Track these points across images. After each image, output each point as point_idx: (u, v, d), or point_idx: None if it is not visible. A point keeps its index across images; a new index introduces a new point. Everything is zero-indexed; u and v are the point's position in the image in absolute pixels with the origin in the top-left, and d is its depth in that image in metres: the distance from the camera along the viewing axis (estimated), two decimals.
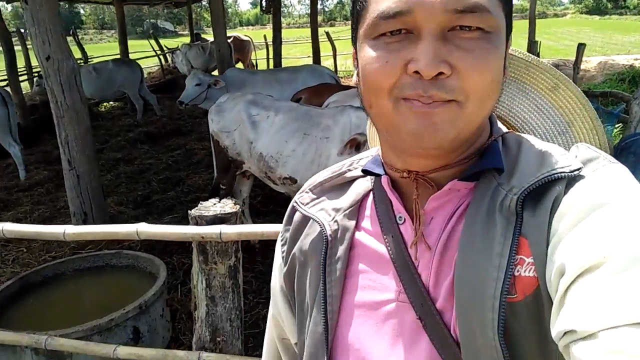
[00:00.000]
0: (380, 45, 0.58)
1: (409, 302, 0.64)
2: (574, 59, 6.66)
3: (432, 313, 0.62)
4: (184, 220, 4.78)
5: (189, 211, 2.07)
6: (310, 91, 4.83)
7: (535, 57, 0.83)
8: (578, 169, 0.57)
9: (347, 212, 0.72)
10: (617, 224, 0.50)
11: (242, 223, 2.14)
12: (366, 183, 0.75)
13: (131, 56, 12.56)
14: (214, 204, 2.11)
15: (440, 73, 0.54)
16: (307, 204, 0.77)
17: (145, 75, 10.74)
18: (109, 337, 2.66)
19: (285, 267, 0.78)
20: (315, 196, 0.77)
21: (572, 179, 0.57)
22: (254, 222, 4.45)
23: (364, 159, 0.78)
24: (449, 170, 0.64)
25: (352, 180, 0.76)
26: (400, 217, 0.68)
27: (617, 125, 5.58)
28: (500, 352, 0.55)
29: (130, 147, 7.61)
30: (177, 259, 3.97)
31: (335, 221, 0.71)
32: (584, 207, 0.53)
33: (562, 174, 0.57)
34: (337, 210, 0.73)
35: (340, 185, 0.77)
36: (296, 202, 0.78)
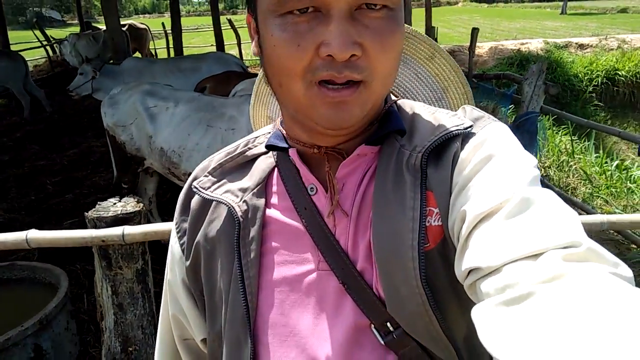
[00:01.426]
0: (288, 25, 0.56)
1: (329, 270, 0.64)
2: (468, 44, 7.05)
3: (353, 275, 0.63)
4: (85, 224, 4.48)
5: (86, 213, 1.90)
6: (216, 79, 4.66)
7: (414, 29, 0.87)
8: (470, 126, 0.63)
9: (254, 190, 0.70)
10: (506, 172, 0.56)
11: (149, 222, 1.99)
12: (269, 160, 0.73)
13: (13, 48, 11.44)
14: (114, 204, 1.95)
15: (353, 55, 0.55)
16: (209, 187, 0.72)
17: (31, 69, 9.83)
18: (6, 358, 2.40)
19: (188, 260, 0.74)
20: (215, 179, 0.73)
21: (465, 135, 0.63)
22: (164, 220, 4.24)
23: (261, 136, 0.77)
24: (355, 140, 0.67)
25: (254, 158, 0.74)
26: (312, 187, 0.68)
27: (510, 107, 6.00)
28: (425, 296, 0.58)
29: (18, 147, 6.92)
30: (80, 266, 3.68)
31: (244, 201, 0.69)
32: (478, 159, 0.59)
33: (458, 131, 0.63)
34: (244, 190, 0.71)
35: (242, 164, 0.75)
36: (196, 187, 0.73)
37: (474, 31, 6.16)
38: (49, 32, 14.20)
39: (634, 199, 4.91)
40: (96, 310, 3.17)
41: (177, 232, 0.76)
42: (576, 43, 12.85)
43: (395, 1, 0.57)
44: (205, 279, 0.72)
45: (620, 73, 10.91)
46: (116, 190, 3.99)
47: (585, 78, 10.96)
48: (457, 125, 0.63)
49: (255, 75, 5.04)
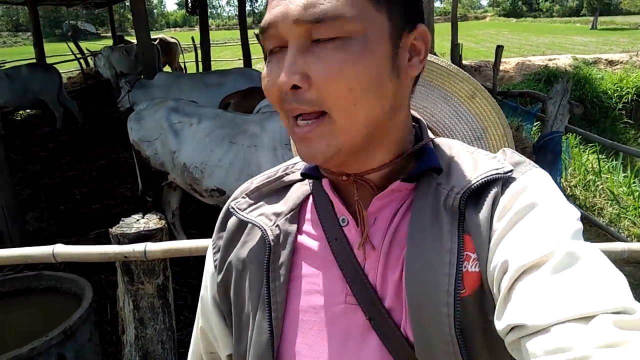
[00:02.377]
0: (269, 63, 0.60)
1: (357, 304, 0.63)
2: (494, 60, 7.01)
3: (381, 312, 0.62)
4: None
5: (110, 229, 1.96)
6: (240, 95, 4.74)
7: (456, 67, 0.87)
8: (510, 171, 0.62)
9: (288, 216, 0.71)
10: (550, 223, 0.55)
11: (170, 238, 2.05)
12: (304, 187, 0.74)
13: (48, 60, 11.84)
14: (137, 220, 2.01)
15: (295, 86, 0.56)
16: (245, 209, 0.73)
17: (64, 81, 10.15)
18: None
19: (219, 276, 0.75)
20: (253, 201, 0.74)
21: (506, 180, 0.61)
22: (187, 234, 4.31)
23: (299, 162, 0.78)
24: (383, 171, 0.66)
25: (290, 184, 0.76)
26: (343, 219, 0.68)
27: (535, 124, 5.93)
28: (457, 346, 0.56)
29: (51, 158, 7.14)
30: (105, 276, 3.77)
31: (277, 226, 0.70)
32: (520, 207, 0.57)
33: (498, 175, 0.61)
34: (277, 214, 0.71)
35: (279, 189, 0.76)
36: (233, 208, 0.75)
37: (499, 49, 6.13)
38: (83, 44, 14.68)
39: None
40: (118, 322, 3.25)
41: (213, 249, 0.78)
42: (605, 59, 12.64)
43: (350, 29, 0.55)
44: (234, 298, 0.72)
45: None
46: (141, 202, 4.09)
47: (615, 95, 10.74)
48: (497, 169, 0.62)
49: None
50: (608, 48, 16.08)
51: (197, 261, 3.99)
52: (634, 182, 5.67)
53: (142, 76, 6.49)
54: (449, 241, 0.59)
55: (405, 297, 0.60)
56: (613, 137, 8.99)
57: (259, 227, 0.70)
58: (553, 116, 3.98)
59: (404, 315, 0.61)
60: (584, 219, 4.64)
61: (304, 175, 0.73)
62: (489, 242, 0.58)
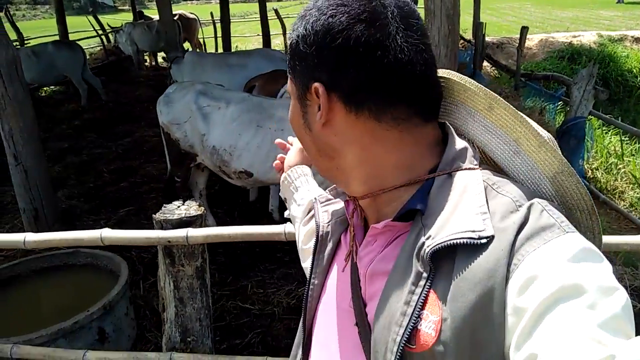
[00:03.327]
0: None
1: (353, 309, 0.71)
2: (517, 36, 6.85)
3: (364, 324, 0.67)
4: (140, 213, 4.73)
5: (153, 215, 2.08)
6: (265, 78, 4.80)
7: (469, 79, 0.78)
8: (488, 237, 0.55)
9: (340, 217, 0.82)
10: (591, 320, 0.46)
11: (206, 224, 2.16)
12: None
13: (70, 36, 11.95)
14: (178, 207, 2.12)
15: None
16: (322, 202, 0.86)
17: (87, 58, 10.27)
18: (74, 340, 2.64)
19: (300, 245, 0.99)
20: (331, 197, 0.86)
21: (520, 246, 0.54)
22: (213, 213, 4.44)
23: None
24: (384, 195, 0.69)
25: None
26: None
27: (559, 106, 5.87)
28: None
29: (77, 135, 7.32)
30: (136, 253, 3.92)
31: (329, 224, 0.81)
32: (547, 294, 0.49)
33: (469, 241, 0.55)
34: (335, 214, 0.82)
35: None
36: (316, 199, 0.87)
37: (523, 31, 6.04)
38: (103, 19, 14.69)
39: None
40: (152, 296, 3.40)
41: (321, 203, 0.88)
42: (632, 36, 12.30)
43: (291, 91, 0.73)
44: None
45: None
46: (170, 183, 4.22)
47: None
48: (473, 231, 0.56)
49: None
50: (635, 23, 15.64)
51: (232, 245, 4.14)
52: None
53: (182, 55, 6.65)
54: (411, 293, 0.58)
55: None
56: (637, 117, 8.85)
57: (316, 221, 0.83)
58: (578, 101, 3.97)
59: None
60: (604, 203, 4.66)
61: None
62: (464, 312, 0.54)
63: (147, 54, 12.97)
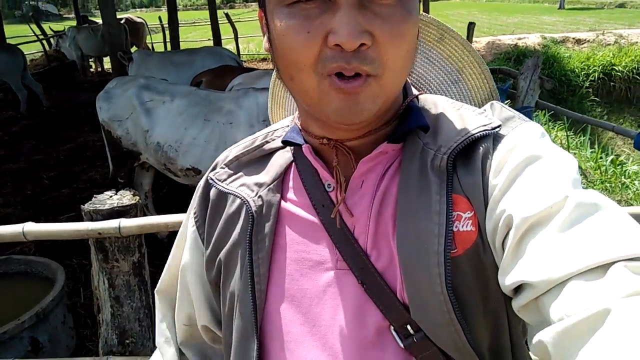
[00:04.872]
0: (296, 14, 0.54)
1: (348, 269, 0.62)
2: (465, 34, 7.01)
3: (374, 276, 0.61)
4: (82, 219, 4.47)
5: (82, 206, 1.91)
6: (212, 73, 4.65)
7: (423, 12, 0.82)
8: (498, 126, 0.61)
9: (271, 186, 0.69)
10: (550, 174, 0.54)
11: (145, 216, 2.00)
12: (287, 154, 0.72)
13: (9, 42, 11.37)
14: (110, 197, 1.96)
15: (362, 44, 0.53)
16: (225, 180, 0.73)
17: (27, 63, 9.77)
18: (3, 351, 2.42)
19: (207, 250, 0.73)
20: (232, 171, 0.74)
21: (496, 136, 0.61)
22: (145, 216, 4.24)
23: (279, 129, 0.76)
24: (370, 137, 0.64)
25: (271, 152, 0.74)
26: (328, 184, 0.67)
27: (506, 102, 6.01)
28: (449, 304, 0.56)
29: (15, 142, 6.91)
30: (77, 260, 3.69)
31: (260, 196, 0.69)
32: (517, 162, 0.56)
33: (486, 132, 0.60)
34: (259, 185, 0.70)
35: (259, 158, 0.74)
36: (212, 179, 0.73)
37: (470, 26, 6.16)
38: (46, 26, 14.11)
39: (629, 193, 4.93)
40: (92, 304, 3.19)
41: (195, 220, 0.76)
42: (573, 38, 12.85)
43: None
44: (224, 271, 0.71)
45: (617, 68, 10.92)
46: (112, 184, 3.99)
47: (582, 73, 10.96)
48: (485, 125, 0.61)
49: (253, 69, 5.03)
50: (575, 27, 16.35)
51: (171, 242, 3.94)
52: (601, 157, 5.82)
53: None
54: (437, 202, 0.58)
55: (398, 259, 0.59)
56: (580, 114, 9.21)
57: (240, 198, 0.69)
58: (524, 91, 4.03)
59: (398, 277, 0.60)
60: None
61: (285, 143, 0.71)
62: (486, 200, 0.57)
63: (92, 59, 12.51)
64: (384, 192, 0.63)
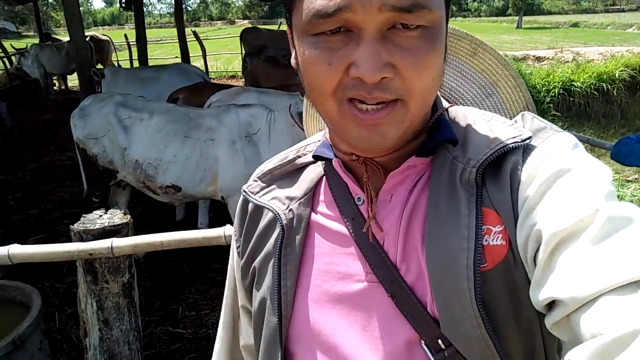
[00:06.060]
0: (320, 45, 0.55)
1: (378, 282, 0.62)
2: None
3: (403, 289, 0.61)
4: (52, 240, 4.29)
5: (71, 226, 1.84)
6: (188, 90, 4.59)
7: (452, 26, 0.83)
8: (529, 138, 0.60)
9: (302, 200, 0.71)
10: (581, 187, 0.53)
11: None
12: (318, 169, 0.73)
13: None
14: (100, 216, 1.90)
15: (384, 77, 0.53)
16: (257, 192, 0.75)
17: None
18: None
19: (242, 260, 0.76)
20: (265, 184, 0.76)
21: (526, 148, 0.60)
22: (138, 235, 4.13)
23: (311, 144, 0.77)
24: (399, 152, 0.64)
25: (303, 167, 0.75)
26: (358, 198, 0.67)
27: None
28: (480, 319, 0.56)
29: None
30: (50, 284, 3.55)
31: (290, 210, 0.70)
32: (547, 175, 0.55)
33: (516, 144, 0.59)
34: (291, 198, 0.71)
35: (291, 172, 0.75)
36: (245, 192, 0.76)
37: None
38: (5, 43, 13.70)
39: None
40: (68, 328, 3.06)
41: (234, 232, 0.79)
42: (534, 56, 13.35)
43: (432, 19, 0.54)
44: (257, 280, 0.73)
45: (575, 84, 11.35)
46: (87, 204, 3.87)
47: (543, 89, 11.34)
48: (515, 137, 0.60)
49: (230, 86, 5.00)
50: (533, 45, 17.00)
51: (148, 263, 3.85)
52: None
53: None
54: (467, 216, 0.58)
55: (427, 273, 0.59)
56: None
57: (272, 211, 0.71)
58: None
59: (428, 291, 0.60)
60: None
61: (316, 158, 0.72)
62: (515, 214, 0.56)
63: (55, 77, 12.20)
64: (413, 205, 0.63)
